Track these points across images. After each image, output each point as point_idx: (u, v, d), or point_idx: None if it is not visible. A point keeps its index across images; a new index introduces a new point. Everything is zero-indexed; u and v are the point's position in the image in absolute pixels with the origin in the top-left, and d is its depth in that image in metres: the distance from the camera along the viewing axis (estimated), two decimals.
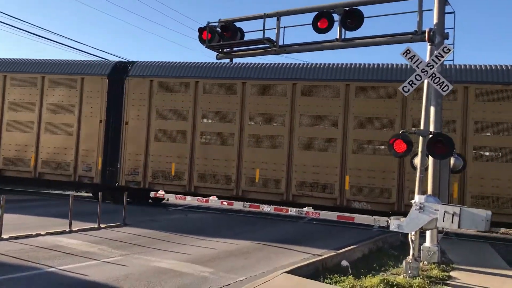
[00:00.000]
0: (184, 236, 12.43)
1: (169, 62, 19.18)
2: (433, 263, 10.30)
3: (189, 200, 14.16)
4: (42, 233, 11.38)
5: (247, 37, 13.15)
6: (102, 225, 12.86)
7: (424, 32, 10.73)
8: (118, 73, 19.05)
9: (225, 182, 16.60)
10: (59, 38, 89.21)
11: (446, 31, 10.90)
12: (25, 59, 20.95)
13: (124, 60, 20.74)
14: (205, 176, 16.85)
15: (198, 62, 18.81)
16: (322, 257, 10.10)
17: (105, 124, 18.85)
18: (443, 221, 8.78)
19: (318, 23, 11.83)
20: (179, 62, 19.11)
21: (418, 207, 8.95)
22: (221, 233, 13.31)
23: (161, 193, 13.70)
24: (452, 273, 9.77)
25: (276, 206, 12.70)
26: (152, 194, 15.09)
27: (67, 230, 11.93)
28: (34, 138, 19.58)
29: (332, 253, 10.62)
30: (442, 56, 9.61)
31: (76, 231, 12.01)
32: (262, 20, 12.54)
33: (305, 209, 11.52)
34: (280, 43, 12.59)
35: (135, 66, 18.94)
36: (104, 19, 70.95)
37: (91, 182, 18.87)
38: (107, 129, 18.79)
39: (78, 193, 21.39)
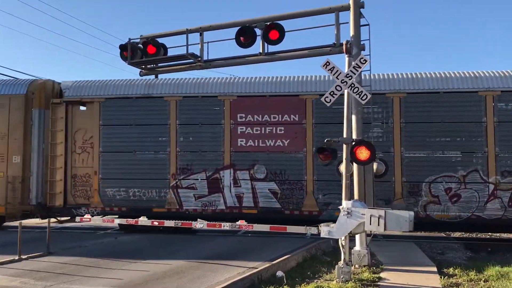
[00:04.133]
0: (114, 261, 11.92)
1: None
2: (364, 266, 10.65)
3: (118, 222, 13.64)
4: None
5: (171, 52, 13.04)
6: (23, 256, 12.01)
7: (342, 44, 11.20)
8: None
9: None
10: None
11: (362, 42, 11.46)
12: None
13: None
14: None
15: None
16: (257, 269, 10.10)
17: None
18: (370, 224, 9.12)
19: (241, 37, 12.00)
20: None
21: (346, 212, 9.24)
22: (155, 254, 12.92)
23: (87, 217, 13.09)
24: (382, 274, 10.15)
25: (209, 222, 12.54)
26: (78, 219, 14.37)
27: None
28: None
29: (267, 264, 10.65)
30: (360, 67, 10.06)
31: None
32: (185, 35, 12.51)
33: (238, 222, 11.47)
34: (205, 58, 12.62)
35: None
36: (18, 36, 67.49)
37: None
38: None
39: None
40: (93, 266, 11.16)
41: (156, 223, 12.31)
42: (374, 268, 10.66)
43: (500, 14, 62.39)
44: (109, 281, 9.61)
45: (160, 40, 12.86)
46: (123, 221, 13.77)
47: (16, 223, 15.33)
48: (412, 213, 9.17)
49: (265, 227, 11.60)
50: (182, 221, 12.14)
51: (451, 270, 10.62)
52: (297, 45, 12.28)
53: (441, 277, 9.88)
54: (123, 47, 12.65)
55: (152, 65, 13.29)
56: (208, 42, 12.69)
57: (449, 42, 65.33)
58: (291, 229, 11.32)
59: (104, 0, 68.96)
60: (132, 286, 9.18)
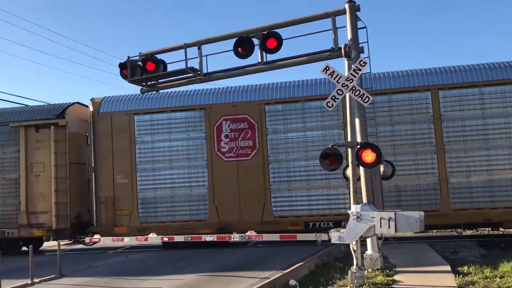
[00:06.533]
0: (126, 279, 11.87)
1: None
2: (377, 269, 10.54)
3: (128, 240, 13.63)
4: None
5: (171, 67, 13.07)
6: (36, 280, 11.99)
7: (341, 48, 11.20)
8: None
9: None
10: None
11: (360, 45, 11.46)
12: None
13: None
14: None
15: None
16: (270, 279, 10.02)
17: None
18: (381, 227, 9.04)
19: (239, 48, 12.03)
20: None
21: (355, 216, 9.16)
22: (165, 270, 12.88)
23: (97, 237, 13.07)
24: (396, 277, 10.04)
25: (218, 235, 12.48)
26: (87, 239, 14.37)
27: None
28: None
29: (280, 273, 10.57)
30: (360, 70, 10.05)
31: None
32: (184, 50, 12.56)
33: (248, 233, 11.40)
34: (204, 71, 12.65)
35: None
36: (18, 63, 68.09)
37: None
38: None
39: None
40: (106, 286, 11.12)
41: (166, 239, 12.27)
42: (388, 271, 10.55)
43: None
44: None
45: (159, 56, 12.91)
46: (133, 239, 13.72)
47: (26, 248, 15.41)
48: (422, 213, 9.08)
49: (275, 236, 11.55)
50: (192, 235, 12.10)
51: (465, 269, 10.49)
52: (296, 52, 12.22)
53: (456, 276, 9.76)
54: (122, 66, 12.71)
55: (152, 82, 13.34)
56: (206, 55, 12.73)
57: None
58: (301, 237, 11.27)
59: (96, 20, 69.54)
60: None
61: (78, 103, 18.74)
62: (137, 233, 16.00)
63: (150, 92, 15.51)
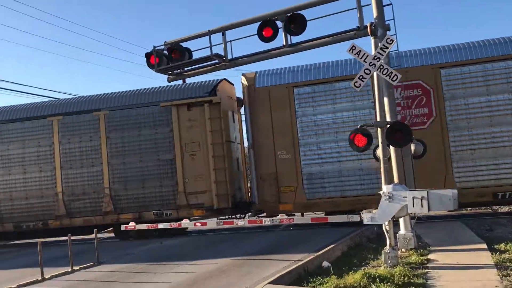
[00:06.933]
0: (162, 265, 12.16)
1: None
2: (411, 249, 10.47)
3: (161, 227, 13.90)
4: (13, 286, 10.87)
5: (196, 55, 13.11)
6: (75, 267, 12.42)
7: (366, 27, 11.00)
8: None
9: None
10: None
11: (386, 23, 11.21)
12: None
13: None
14: None
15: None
16: (303, 261, 10.09)
17: None
18: (413, 206, 8.95)
19: (263, 32, 11.95)
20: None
21: (387, 196, 9.09)
22: (199, 255, 13.11)
23: (131, 224, 13.39)
24: (430, 256, 9.95)
25: (250, 219, 12.62)
26: (123, 227, 14.72)
27: (40, 278, 11.44)
28: None
29: (312, 256, 10.62)
30: (387, 48, 9.87)
31: (49, 278, 11.53)
32: (208, 37, 12.56)
33: (279, 216, 11.48)
34: (229, 57, 12.63)
35: None
36: (42, 57, 69.47)
37: None
38: None
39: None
40: (143, 272, 11.42)
41: (198, 224, 12.48)
42: (422, 250, 10.46)
43: None
44: (159, 285, 9.82)
45: (183, 44, 12.96)
46: (167, 225, 14.00)
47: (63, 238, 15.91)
48: (455, 191, 8.94)
49: (306, 219, 11.58)
50: (224, 220, 12.25)
51: (502, 246, 10.28)
52: (320, 34, 12.03)
53: (492, 254, 9.59)
54: (149, 55, 12.83)
55: (178, 70, 13.42)
56: (231, 41, 12.70)
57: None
58: (332, 219, 11.28)
59: (119, 12, 70.18)
60: None
61: (225, 79, 18.49)
62: (303, 210, 15.80)
63: (309, 64, 15.41)
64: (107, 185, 17.70)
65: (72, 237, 13.02)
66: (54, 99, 20.89)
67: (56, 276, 11.78)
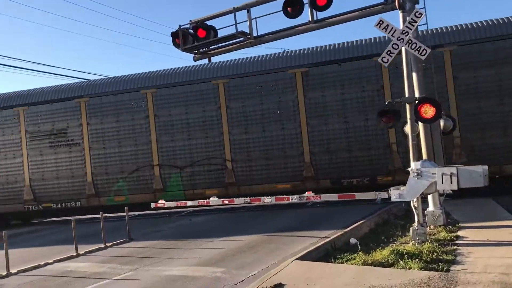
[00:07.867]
0: (191, 241, 12.43)
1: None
2: (439, 226, 10.38)
3: (190, 204, 14.16)
4: (50, 261, 11.32)
5: (221, 33, 13.06)
6: (108, 244, 12.83)
7: (394, 0, 10.73)
8: None
9: None
10: (24, 64, 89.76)
11: None
12: None
13: None
14: None
15: None
16: (330, 238, 10.15)
17: None
18: (442, 183, 8.82)
19: (288, 8, 11.78)
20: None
21: (415, 173, 8.99)
22: (227, 231, 13.33)
23: (161, 202, 13.65)
24: (460, 233, 9.86)
25: (277, 196, 12.69)
26: (152, 205, 15.03)
27: (74, 254, 11.88)
28: None
29: (339, 232, 10.67)
30: (415, 22, 9.62)
31: (83, 254, 11.96)
32: (233, 14, 12.49)
33: (306, 194, 11.49)
34: (254, 34, 12.53)
35: None
36: (68, 37, 70.31)
37: None
38: None
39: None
40: (173, 248, 11.71)
41: (226, 202, 12.64)
42: (451, 227, 10.36)
43: None
44: (189, 261, 10.06)
45: (208, 22, 12.92)
46: (195, 203, 14.22)
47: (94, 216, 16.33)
48: (486, 167, 8.76)
49: (333, 196, 11.56)
50: (251, 198, 12.37)
51: None
52: (346, 9, 11.81)
53: None
54: (174, 35, 12.85)
55: (204, 49, 13.42)
56: (256, 18, 12.57)
57: None
58: (360, 195, 11.20)
59: None
60: (212, 264, 9.55)
61: None
62: None
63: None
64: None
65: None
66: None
67: (90, 252, 12.19)
